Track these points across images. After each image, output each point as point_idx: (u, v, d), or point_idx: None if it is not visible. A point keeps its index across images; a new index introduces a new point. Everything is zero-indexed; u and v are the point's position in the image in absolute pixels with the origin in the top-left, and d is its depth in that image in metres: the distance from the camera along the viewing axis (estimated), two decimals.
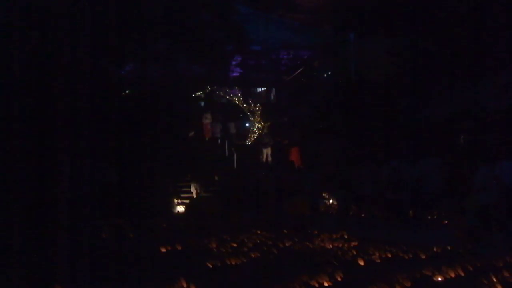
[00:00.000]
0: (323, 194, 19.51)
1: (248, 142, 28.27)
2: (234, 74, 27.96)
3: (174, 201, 20.33)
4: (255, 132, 28.32)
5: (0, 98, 13.91)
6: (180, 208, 20.07)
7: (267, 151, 26.11)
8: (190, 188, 21.72)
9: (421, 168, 15.64)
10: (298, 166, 22.01)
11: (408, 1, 20.29)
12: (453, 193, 15.35)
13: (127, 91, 20.65)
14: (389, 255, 10.01)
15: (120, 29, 16.77)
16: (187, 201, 20.34)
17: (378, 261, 9.65)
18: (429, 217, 15.58)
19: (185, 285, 7.63)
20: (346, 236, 12.47)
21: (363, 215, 16.47)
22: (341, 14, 23.30)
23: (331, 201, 19.64)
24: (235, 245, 11.40)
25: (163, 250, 11.04)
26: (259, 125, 28.37)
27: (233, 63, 27.33)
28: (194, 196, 20.93)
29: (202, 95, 28.22)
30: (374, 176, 16.22)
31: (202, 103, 28.76)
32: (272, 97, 30.82)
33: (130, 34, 17.86)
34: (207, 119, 27.16)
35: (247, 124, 28.56)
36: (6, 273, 8.88)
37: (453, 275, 8.16)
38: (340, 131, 21.28)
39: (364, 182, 16.28)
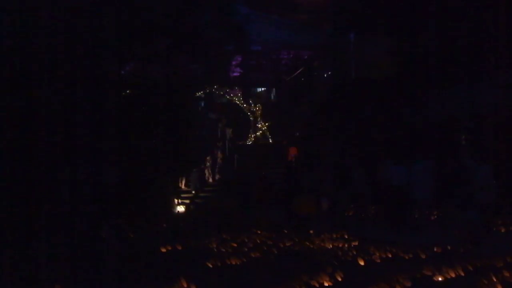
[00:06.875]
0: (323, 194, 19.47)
1: (248, 142, 28.30)
2: (234, 74, 27.99)
3: (174, 201, 20.32)
4: (255, 132, 28.36)
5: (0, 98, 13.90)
6: (180, 208, 20.07)
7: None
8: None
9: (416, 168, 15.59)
10: (291, 160, 22.05)
11: (408, 1, 20.28)
12: (453, 193, 15.33)
13: (127, 91, 20.63)
14: (389, 255, 10.02)
15: (120, 29, 16.76)
16: (187, 201, 20.35)
17: (378, 261, 9.66)
18: (429, 217, 15.57)
19: (185, 285, 7.63)
20: (346, 236, 12.46)
21: (363, 215, 16.46)
22: (341, 14, 23.30)
23: (331, 201, 19.59)
24: (235, 245, 11.40)
25: (163, 250, 11.04)
26: (259, 125, 28.38)
27: (233, 63, 27.37)
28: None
29: (202, 95, 28.23)
30: (373, 176, 16.23)
31: (202, 103, 28.80)
32: (272, 97, 30.87)
33: (130, 33, 17.84)
34: None
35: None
36: (6, 273, 8.88)
37: (453, 275, 8.16)
38: (339, 131, 21.27)
39: (364, 182, 16.29)
